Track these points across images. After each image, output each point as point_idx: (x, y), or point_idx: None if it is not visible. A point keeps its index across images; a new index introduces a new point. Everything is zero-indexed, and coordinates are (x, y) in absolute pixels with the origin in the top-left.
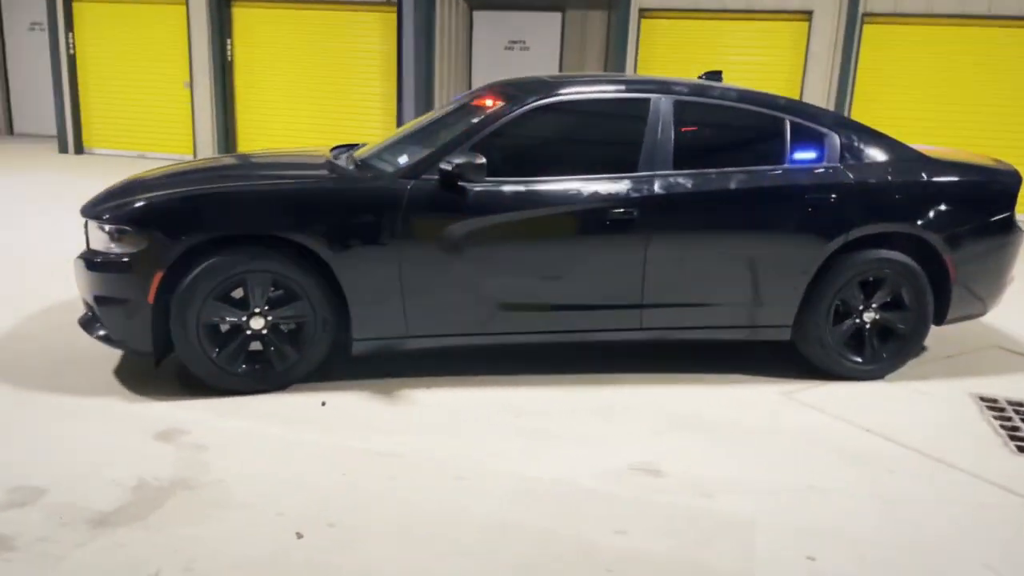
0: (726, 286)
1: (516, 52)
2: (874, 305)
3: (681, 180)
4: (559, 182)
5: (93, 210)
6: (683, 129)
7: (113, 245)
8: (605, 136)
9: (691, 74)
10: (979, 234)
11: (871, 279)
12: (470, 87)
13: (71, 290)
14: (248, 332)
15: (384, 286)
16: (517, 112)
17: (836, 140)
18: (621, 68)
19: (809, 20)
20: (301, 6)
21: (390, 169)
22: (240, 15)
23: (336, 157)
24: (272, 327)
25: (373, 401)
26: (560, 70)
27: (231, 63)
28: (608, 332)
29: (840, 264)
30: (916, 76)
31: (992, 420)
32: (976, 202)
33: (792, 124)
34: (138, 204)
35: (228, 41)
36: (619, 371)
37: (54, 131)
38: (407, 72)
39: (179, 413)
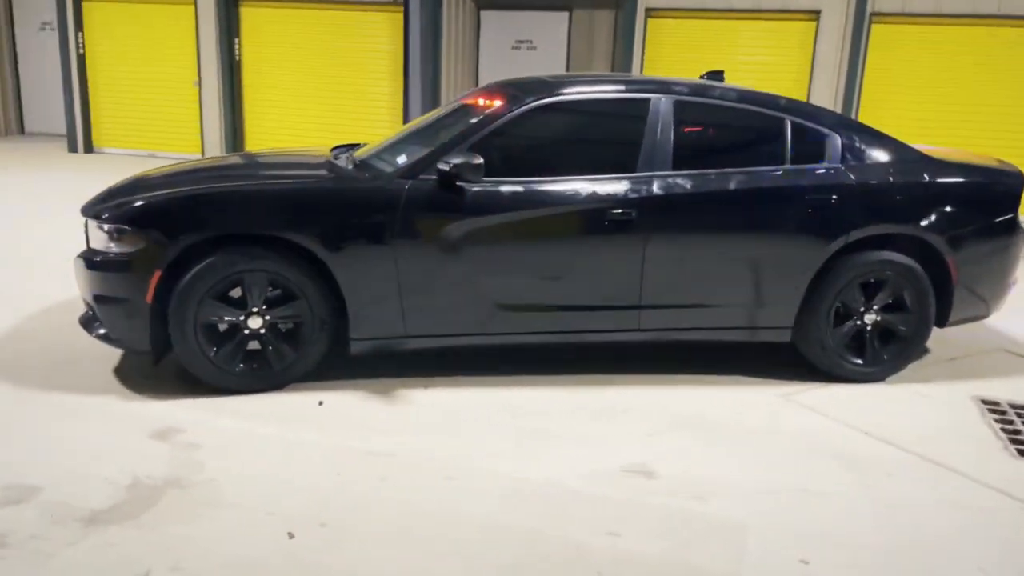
0: (725, 287)
1: (523, 52)
2: (875, 307)
3: (680, 181)
4: (558, 182)
5: (93, 209)
6: (683, 129)
7: (112, 244)
8: (604, 136)
9: (697, 74)
10: (982, 236)
11: (872, 281)
12: (477, 86)
13: (72, 290)
14: (246, 331)
15: (382, 286)
16: (516, 112)
17: (837, 141)
18: (628, 68)
19: (817, 20)
20: (309, 6)
21: (389, 169)
22: (248, 15)
23: (336, 157)
24: (270, 327)
25: (370, 401)
26: (567, 70)
27: (239, 63)
28: (606, 333)
29: (841, 265)
30: (924, 76)
31: (993, 423)
32: (979, 203)
33: (793, 125)
34: (136, 204)
35: (236, 41)
36: (618, 372)
37: (64, 130)
38: (414, 72)
39: (176, 412)
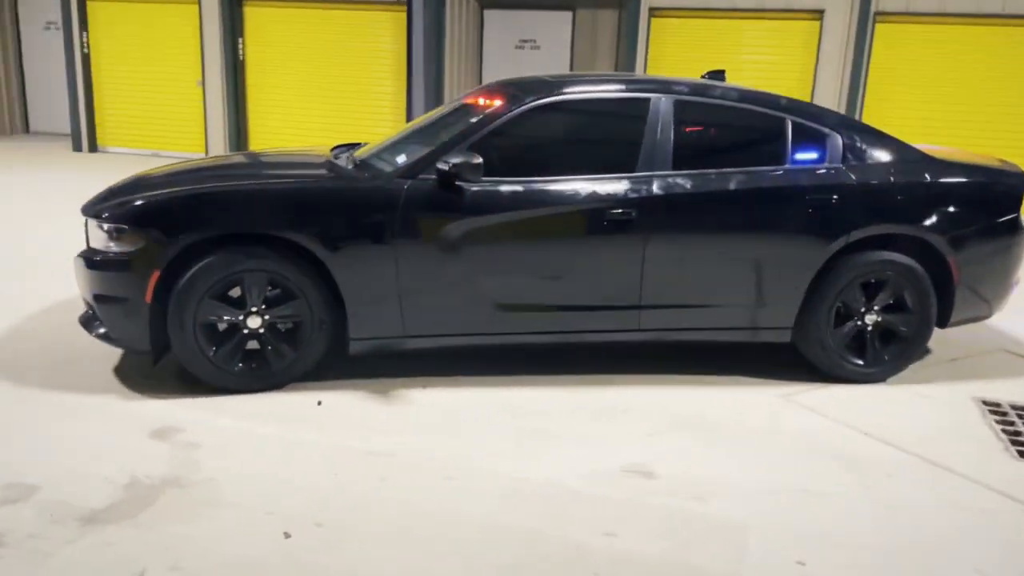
0: (725, 287)
1: (527, 51)
2: (876, 307)
3: (680, 180)
4: (557, 182)
5: (93, 209)
6: (683, 129)
7: (112, 244)
8: (604, 136)
9: (700, 74)
10: (984, 236)
11: (873, 281)
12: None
13: (73, 289)
14: (245, 331)
15: (381, 286)
16: (516, 112)
17: (838, 141)
18: (631, 67)
19: (820, 19)
20: (312, 5)
21: (388, 169)
22: (252, 14)
23: (336, 157)
24: (269, 326)
25: (369, 401)
26: (571, 69)
27: (243, 62)
28: (606, 333)
29: (842, 265)
30: (928, 75)
31: (994, 424)
32: (981, 203)
33: (794, 124)
34: (136, 203)
35: (240, 40)
36: (618, 372)
37: (69, 129)
38: (417, 71)
39: (176, 411)
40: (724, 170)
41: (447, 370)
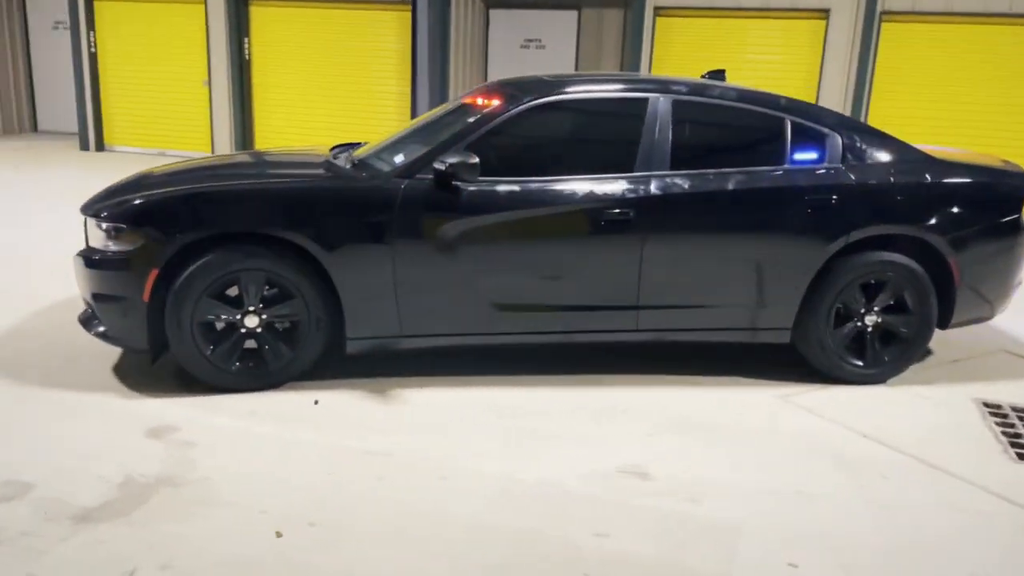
0: (724, 288)
1: (532, 51)
2: (876, 308)
3: (678, 181)
4: (555, 182)
5: (92, 208)
6: (681, 129)
7: (110, 243)
8: (602, 136)
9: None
10: (985, 237)
11: (873, 282)
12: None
13: (75, 288)
14: (243, 330)
15: (378, 285)
16: (513, 111)
17: (838, 141)
18: (636, 67)
19: (826, 18)
20: (318, 5)
21: (386, 168)
22: (257, 14)
23: (336, 156)
24: (267, 325)
25: (366, 400)
26: (576, 68)
27: (248, 62)
28: (604, 333)
29: (841, 266)
30: (934, 75)
31: (994, 426)
32: (982, 204)
33: (793, 124)
34: (134, 202)
35: (246, 40)
36: (616, 372)
37: (76, 128)
38: (421, 71)
39: (173, 410)
40: (723, 170)
41: (444, 370)
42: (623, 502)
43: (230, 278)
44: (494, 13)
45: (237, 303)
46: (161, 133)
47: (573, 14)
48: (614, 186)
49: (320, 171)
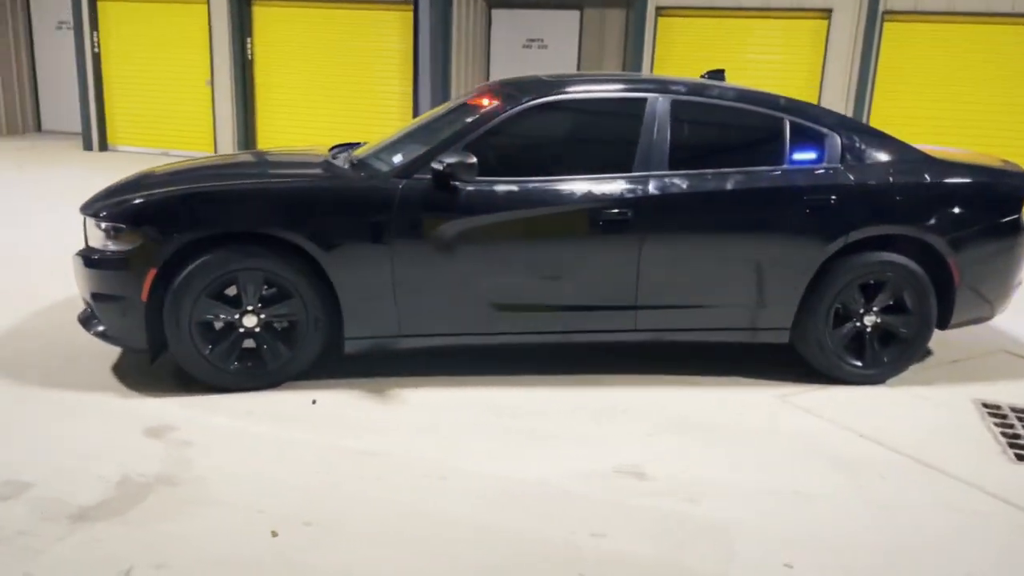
0: (722, 288)
1: (534, 50)
2: (875, 308)
3: (676, 181)
4: (553, 182)
5: (91, 207)
6: (680, 129)
7: (109, 243)
8: (600, 136)
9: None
10: (985, 237)
11: (872, 282)
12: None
13: (74, 288)
14: (241, 330)
15: (376, 285)
16: (512, 112)
17: (837, 141)
18: (638, 67)
19: (828, 18)
20: (320, 5)
21: (384, 168)
22: (260, 14)
23: (335, 156)
24: (265, 325)
25: (364, 400)
26: (578, 68)
27: (251, 61)
28: (602, 333)
29: (840, 266)
30: (937, 75)
31: (993, 427)
32: (981, 204)
33: (792, 124)
34: (132, 202)
35: (248, 40)
36: (615, 372)
37: (80, 128)
38: (423, 71)
39: (171, 409)
40: (721, 170)
41: (442, 370)
42: (621, 502)
43: (228, 278)
44: (496, 13)
45: (235, 303)
46: (164, 133)
47: (575, 14)
48: (612, 186)
49: (318, 171)
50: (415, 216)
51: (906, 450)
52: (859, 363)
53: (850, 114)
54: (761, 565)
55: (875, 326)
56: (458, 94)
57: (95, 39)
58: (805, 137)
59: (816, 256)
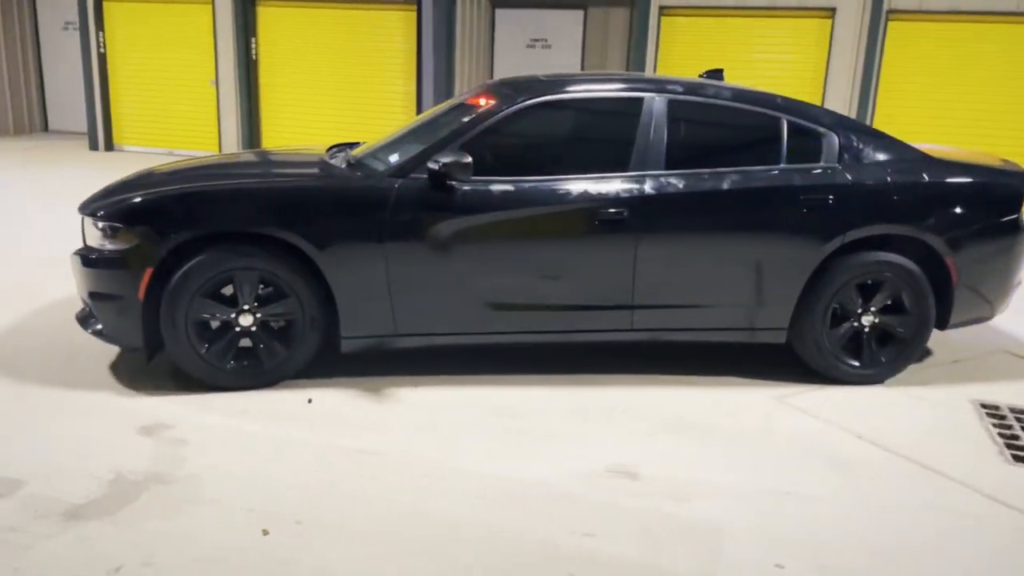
0: (719, 288)
1: (538, 50)
2: (873, 308)
3: (673, 180)
4: (549, 181)
5: (89, 207)
6: (677, 128)
7: (106, 242)
8: (597, 135)
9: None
10: (983, 236)
11: (870, 282)
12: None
13: (74, 287)
14: (237, 329)
15: (372, 284)
16: (508, 111)
17: (834, 140)
18: (642, 66)
19: (832, 17)
20: (324, 5)
21: (381, 168)
22: (264, 14)
23: (332, 156)
24: (261, 324)
25: (361, 399)
26: (582, 68)
27: (255, 61)
28: (598, 333)
29: (837, 266)
30: (941, 74)
31: (991, 427)
32: (980, 203)
33: (789, 124)
34: (129, 201)
35: (252, 40)
36: (611, 372)
37: (86, 128)
38: (427, 70)
39: (167, 408)
40: (718, 170)
41: (438, 369)
42: (615, 502)
43: (224, 277)
44: (500, 12)
45: (232, 302)
46: (169, 132)
47: (579, 13)
48: (609, 186)
49: (315, 170)
50: (411, 216)
51: (903, 451)
52: (856, 363)
53: (854, 114)
54: (750, 565)
55: (873, 326)
56: (461, 93)
57: (101, 39)
58: (802, 136)
59: (813, 256)
